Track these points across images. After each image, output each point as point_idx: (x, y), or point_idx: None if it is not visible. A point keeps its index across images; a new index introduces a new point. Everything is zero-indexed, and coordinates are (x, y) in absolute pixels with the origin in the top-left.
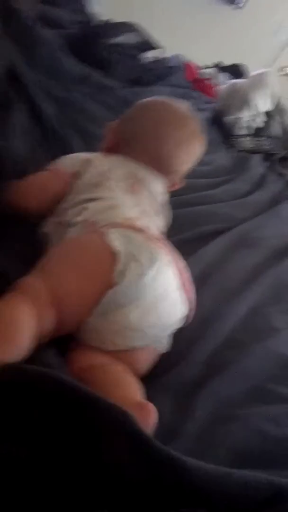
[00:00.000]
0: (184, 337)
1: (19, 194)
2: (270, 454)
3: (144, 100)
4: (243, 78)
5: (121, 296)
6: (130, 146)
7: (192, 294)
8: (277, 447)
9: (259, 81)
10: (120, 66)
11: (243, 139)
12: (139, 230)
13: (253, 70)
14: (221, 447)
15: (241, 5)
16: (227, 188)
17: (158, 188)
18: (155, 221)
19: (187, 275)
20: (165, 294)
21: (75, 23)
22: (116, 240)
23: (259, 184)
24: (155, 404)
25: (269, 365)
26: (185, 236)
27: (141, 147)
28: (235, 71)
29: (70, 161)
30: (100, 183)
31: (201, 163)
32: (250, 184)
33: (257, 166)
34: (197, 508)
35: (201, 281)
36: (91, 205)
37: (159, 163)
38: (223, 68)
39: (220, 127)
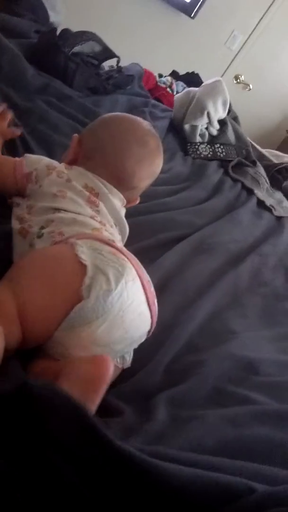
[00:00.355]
0: (144, 345)
1: None
2: (224, 452)
3: (107, 115)
4: (198, 86)
5: (88, 311)
6: (92, 160)
7: (155, 308)
8: (232, 445)
9: (212, 89)
10: (78, 75)
11: (199, 146)
12: (107, 242)
13: (206, 79)
14: (177, 443)
15: (192, 14)
16: (185, 195)
17: (115, 203)
18: (113, 234)
19: (151, 288)
20: (131, 308)
21: (34, 32)
22: (83, 253)
23: (216, 190)
24: (115, 410)
25: (229, 367)
26: (145, 244)
27: (102, 162)
28: (190, 79)
29: (32, 160)
30: (61, 194)
31: (160, 170)
32: (207, 190)
33: (213, 173)
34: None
35: (160, 288)
36: (56, 216)
37: (118, 179)
38: (178, 77)
39: (177, 135)
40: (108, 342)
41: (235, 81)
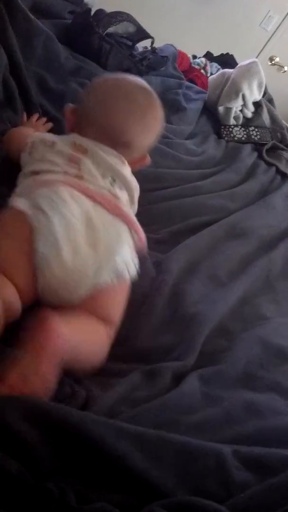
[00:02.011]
0: (178, 323)
1: (6, 139)
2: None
3: (96, 78)
4: (232, 68)
5: (45, 246)
6: (84, 123)
7: (122, 211)
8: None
9: (248, 71)
10: (112, 56)
11: (233, 129)
12: (45, 182)
13: (241, 60)
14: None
15: None
16: (218, 178)
17: (108, 158)
18: (101, 185)
19: (106, 197)
20: (88, 224)
21: (68, 13)
22: (18, 201)
23: (249, 174)
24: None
25: (259, 353)
26: (175, 228)
27: (93, 122)
28: (224, 61)
29: (36, 135)
30: (40, 158)
31: (192, 153)
32: (240, 174)
33: (247, 156)
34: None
35: (189, 270)
36: (30, 179)
37: (109, 137)
38: (212, 58)
39: (211, 117)
40: (83, 264)
41: (270, 63)
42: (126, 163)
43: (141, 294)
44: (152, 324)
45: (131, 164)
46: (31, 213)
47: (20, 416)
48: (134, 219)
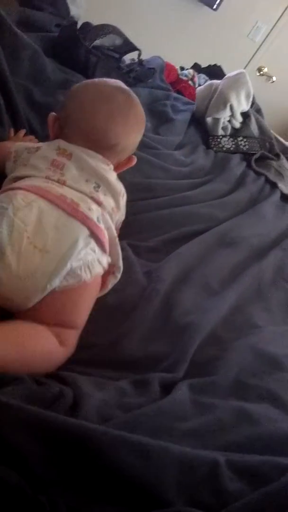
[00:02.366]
0: (167, 333)
1: None
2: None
3: (75, 85)
4: (220, 79)
5: None
6: (68, 130)
7: (82, 213)
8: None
9: (235, 82)
10: (99, 69)
11: (221, 139)
12: (9, 188)
13: (229, 71)
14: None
15: (215, 6)
16: (207, 188)
17: (93, 163)
18: (83, 190)
19: (66, 200)
20: (40, 229)
21: (55, 26)
22: None
23: (239, 184)
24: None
25: (252, 361)
26: (167, 237)
27: (75, 128)
28: (212, 72)
29: (18, 144)
30: (22, 163)
31: (181, 164)
32: (230, 184)
33: (236, 166)
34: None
35: (181, 279)
36: (11, 185)
37: (93, 141)
38: (200, 70)
39: (199, 128)
40: (31, 270)
41: (258, 73)
42: (112, 167)
43: (130, 302)
44: (141, 333)
45: (117, 167)
46: None
47: (17, 426)
48: (95, 221)
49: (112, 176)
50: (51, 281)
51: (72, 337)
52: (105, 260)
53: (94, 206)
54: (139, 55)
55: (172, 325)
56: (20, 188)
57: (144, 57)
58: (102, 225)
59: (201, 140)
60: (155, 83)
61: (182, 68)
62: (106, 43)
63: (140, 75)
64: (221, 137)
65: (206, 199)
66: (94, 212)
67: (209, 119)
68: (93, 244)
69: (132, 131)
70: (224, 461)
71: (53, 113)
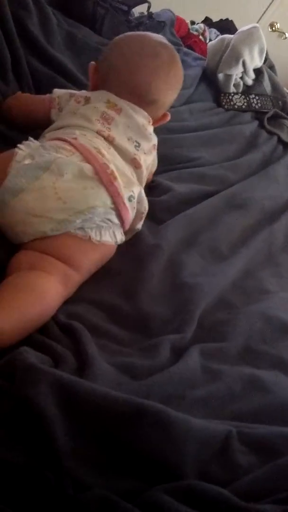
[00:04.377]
0: (173, 294)
1: (12, 102)
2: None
3: (117, 37)
4: (232, 34)
5: (11, 185)
6: (108, 82)
7: (117, 190)
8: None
9: (248, 36)
10: (107, 22)
11: (233, 97)
12: (62, 140)
13: (240, 27)
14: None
15: None
16: (217, 148)
17: (139, 120)
18: (125, 147)
19: (107, 170)
20: (68, 182)
21: None
22: (23, 145)
23: (251, 144)
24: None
25: (261, 327)
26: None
27: (118, 81)
28: (223, 26)
29: (57, 90)
30: (72, 112)
31: (190, 119)
32: (240, 144)
33: (247, 125)
34: None
35: (189, 241)
36: (59, 131)
37: (136, 94)
38: (211, 24)
39: (210, 85)
40: (43, 211)
41: (270, 29)
42: (151, 122)
43: (134, 258)
44: (149, 292)
45: (154, 122)
46: (20, 154)
47: (42, 389)
48: (124, 199)
49: (151, 132)
50: (54, 229)
51: (74, 279)
52: (120, 236)
53: (128, 174)
54: (149, 8)
55: (178, 287)
56: (70, 143)
57: (153, 10)
58: (129, 204)
59: (211, 98)
60: (165, 37)
61: (192, 23)
62: None
63: (150, 28)
64: (232, 94)
65: (216, 161)
66: (129, 189)
67: (220, 75)
68: (113, 216)
69: (172, 88)
70: (235, 433)
71: (93, 63)
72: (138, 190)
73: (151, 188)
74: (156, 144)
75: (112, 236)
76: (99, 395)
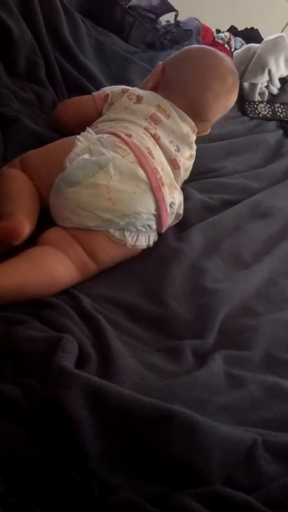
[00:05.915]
0: (197, 298)
1: (60, 111)
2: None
3: (192, 47)
4: (257, 43)
5: (69, 175)
6: (171, 89)
7: (162, 194)
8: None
9: (274, 46)
10: (135, 29)
11: (257, 105)
12: (118, 136)
13: (265, 35)
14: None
15: None
16: (241, 156)
17: (184, 128)
18: (169, 146)
19: (157, 176)
20: (120, 184)
21: None
22: (82, 137)
23: (275, 153)
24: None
25: (284, 335)
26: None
27: (181, 93)
28: (248, 35)
29: (108, 87)
30: (123, 107)
31: (215, 127)
32: (265, 152)
33: (272, 134)
34: None
35: (212, 248)
36: (109, 123)
37: (194, 111)
38: (236, 33)
39: None
40: (92, 208)
41: None
42: (195, 132)
43: (157, 260)
44: (171, 295)
45: (197, 133)
46: (80, 146)
47: (73, 393)
48: (167, 206)
49: (192, 141)
50: (98, 226)
51: (90, 269)
52: (153, 240)
53: (176, 192)
54: (176, 16)
55: (200, 291)
56: (126, 143)
57: (180, 18)
58: (169, 210)
59: (236, 106)
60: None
61: (218, 31)
62: (143, 2)
63: (177, 37)
64: (257, 103)
65: (239, 169)
66: (175, 198)
67: (246, 84)
68: (153, 222)
69: (224, 111)
70: (260, 441)
71: (161, 63)
72: (178, 198)
73: None
74: (194, 154)
75: (147, 240)
76: (128, 400)
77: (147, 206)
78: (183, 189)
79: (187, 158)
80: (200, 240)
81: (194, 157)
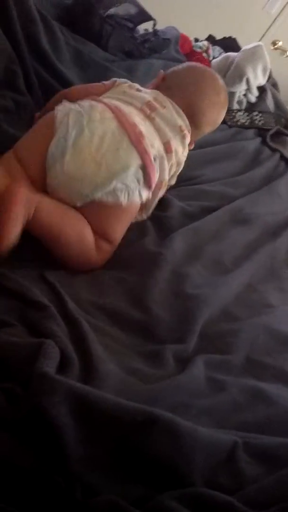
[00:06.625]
0: (178, 303)
1: (73, 93)
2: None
3: (194, 63)
4: (235, 52)
5: (55, 148)
6: (171, 90)
7: (142, 146)
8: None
9: (252, 55)
10: (113, 38)
11: (236, 114)
12: (98, 101)
13: (243, 44)
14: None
15: None
16: (220, 164)
17: (178, 121)
18: (161, 129)
19: (135, 130)
20: (101, 144)
21: None
22: (59, 109)
23: (253, 160)
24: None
25: (265, 340)
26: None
27: (180, 93)
28: (226, 44)
29: (115, 77)
30: (127, 90)
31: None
32: (243, 160)
33: (250, 141)
34: None
35: (193, 253)
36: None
37: (190, 112)
38: (215, 42)
39: None
40: (82, 175)
41: (272, 47)
42: (188, 132)
43: (138, 266)
44: (153, 299)
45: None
46: (59, 118)
47: (55, 398)
48: (151, 158)
49: (184, 137)
50: (93, 191)
51: (106, 249)
52: (146, 195)
53: (157, 143)
54: (154, 25)
55: (181, 296)
56: (103, 103)
57: (158, 27)
58: (156, 164)
59: None
60: (170, 54)
61: (196, 40)
62: (121, 12)
63: (155, 45)
64: (236, 111)
65: (218, 177)
66: (155, 149)
67: None
68: (140, 175)
69: (213, 125)
70: (241, 444)
71: (162, 72)
72: (161, 153)
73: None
74: (186, 155)
75: (139, 196)
76: (111, 404)
77: (132, 159)
78: (164, 197)
79: (180, 151)
80: (181, 245)
81: (185, 157)
